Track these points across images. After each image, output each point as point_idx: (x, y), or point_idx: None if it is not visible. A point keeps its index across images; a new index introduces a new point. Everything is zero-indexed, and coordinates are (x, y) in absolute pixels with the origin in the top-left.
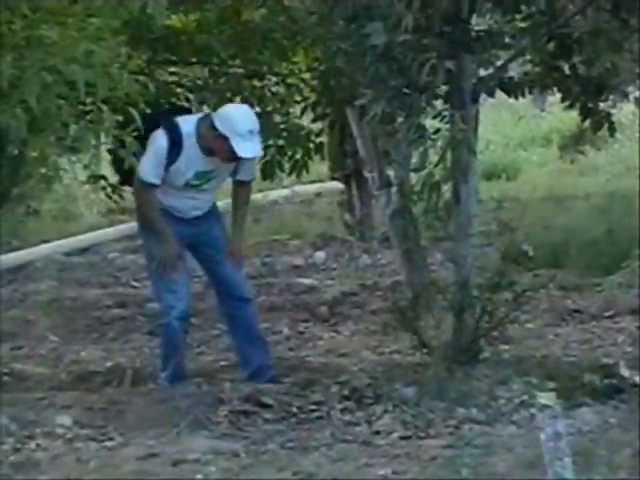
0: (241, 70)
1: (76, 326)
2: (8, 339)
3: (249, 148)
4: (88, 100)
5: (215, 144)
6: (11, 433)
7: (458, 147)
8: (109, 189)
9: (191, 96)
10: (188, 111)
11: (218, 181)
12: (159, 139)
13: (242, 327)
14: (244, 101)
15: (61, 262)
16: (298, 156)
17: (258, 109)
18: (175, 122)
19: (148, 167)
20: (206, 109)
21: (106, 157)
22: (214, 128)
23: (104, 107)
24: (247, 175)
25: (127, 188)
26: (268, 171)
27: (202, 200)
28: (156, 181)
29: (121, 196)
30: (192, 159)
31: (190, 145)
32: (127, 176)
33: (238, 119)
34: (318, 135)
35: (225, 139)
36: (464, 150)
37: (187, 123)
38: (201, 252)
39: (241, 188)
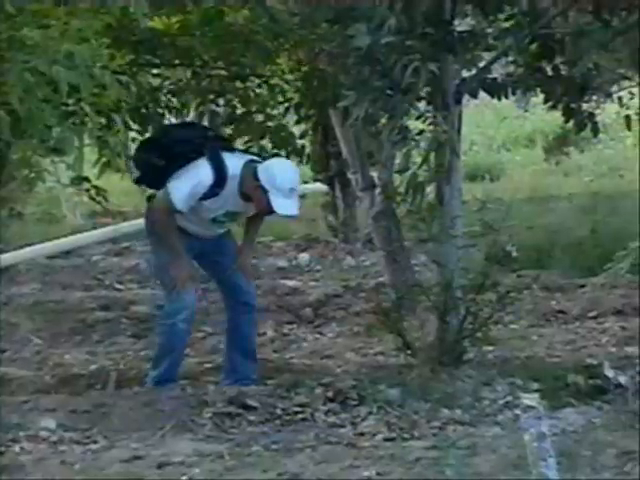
0: (224, 72)
1: (60, 329)
2: None
3: (287, 206)
4: (71, 101)
5: (254, 194)
6: None
7: (441, 148)
8: (93, 191)
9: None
10: (223, 139)
11: (242, 218)
12: (205, 175)
13: (240, 336)
14: (227, 103)
15: (44, 265)
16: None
17: (240, 111)
18: (222, 160)
19: (182, 195)
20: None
21: (90, 159)
22: (256, 178)
23: (87, 108)
24: None
25: (140, 185)
26: None
27: (219, 230)
28: (184, 210)
29: (105, 198)
30: (228, 200)
31: (231, 187)
32: (148, 176)
33: (281, 175)
34: (301, 137)
35: (265, 191)
36: (447, 151)
37: (233, 164)
38: (210, 259)
39: (260, 216)
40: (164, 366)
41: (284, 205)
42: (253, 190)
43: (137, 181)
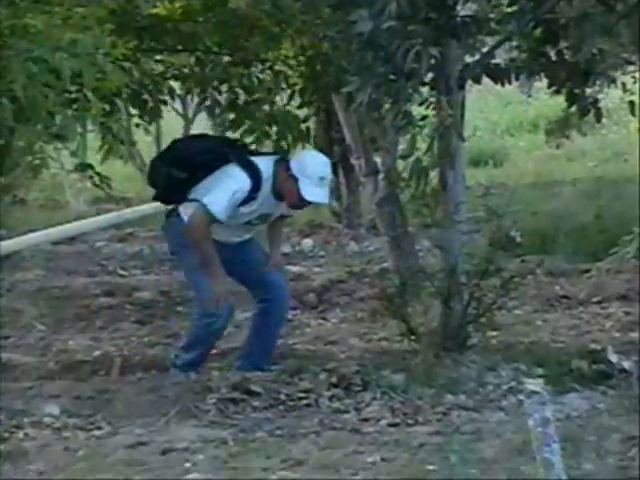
0: (228, 58)
1: (64, 315)
2: None
3: (316, 193)
4: (74, 88)
5: (285, 185)
6: None
7: (446, 133)
8: (96, 178)
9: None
10: (243, 145)
11: (272, 220)
12: (242, 182)
13: (267, 328)
14: (230, 89)
15: (48, 251)
16: (284, 143)
17: (244, 97)
18: (254, 164)
19: (222, 205)
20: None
21: (93, 146)
22: (288, 168)
23: (90, 95)
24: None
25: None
26: None
27: (249, 234)
28: (224, 219)
29: (109, 185)
30: (264, 203)
31: (265, 189)
32: (169, 191)
33: (311, 164)
34: (305, 121)
35: (295, 181)
36: (453, 136)
37: (264, 166)
38: (237, 261)
39: (282, 219)
40: (195, 354)
41: (313, 192)
42: (284, 182)
43: (156, 198)
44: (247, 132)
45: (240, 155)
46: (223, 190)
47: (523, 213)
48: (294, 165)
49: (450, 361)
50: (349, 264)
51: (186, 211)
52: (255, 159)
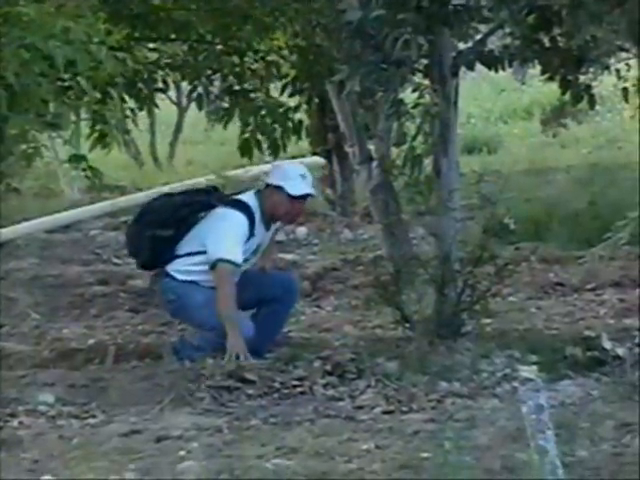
0: (220, 47)
1: (58, 303)
2: None
3: (302, 187)
4: (67, 76)
5: (272, 198)
6: None
7: (432, 121)
8: (89, 172)
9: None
10: (215, 189)
11: (262, 249)
12: (240, 219)
13: (274, 313)
14: (224, 79)
15: (43, 239)
16: (277, 134)
17: (237, 87)
18: (240, 199)
19: (236, 249)
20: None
21: (86, 133)
22: (269, 185)
23: (84, 83)
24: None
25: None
26: (246, 149)
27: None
28: (241, 261)
29: (100, 180)
30: (258, 234)
31: (258, 221)
32: (157, 253)
33: (289, 168)
34: (296, 109)
35: (280, 189)
36: (437, 124)
37: (250, 200)
38: (240, 293)
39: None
40: (201, 354)
41: (299, 187)
42: (270, 196)
43: (142, 265)
44: (244, 125)
45: (222, 197)
46: (228, 235)
47: (517, 200)
48: (273, 177)
49: (444, 348)
50: (343, 252)
51: (175, 268)
52: (241, 196)
